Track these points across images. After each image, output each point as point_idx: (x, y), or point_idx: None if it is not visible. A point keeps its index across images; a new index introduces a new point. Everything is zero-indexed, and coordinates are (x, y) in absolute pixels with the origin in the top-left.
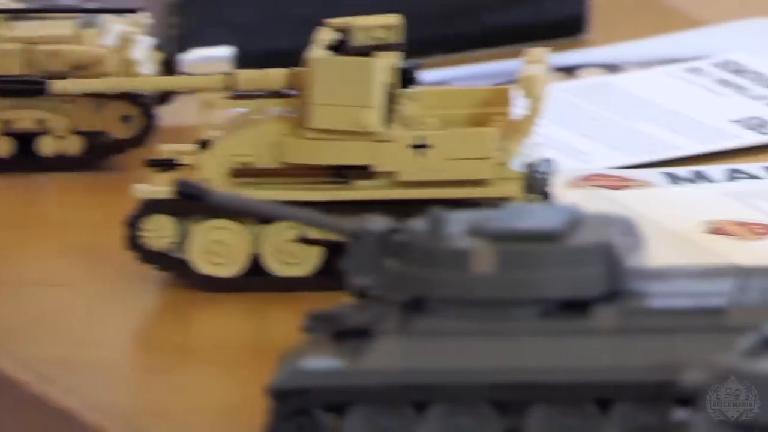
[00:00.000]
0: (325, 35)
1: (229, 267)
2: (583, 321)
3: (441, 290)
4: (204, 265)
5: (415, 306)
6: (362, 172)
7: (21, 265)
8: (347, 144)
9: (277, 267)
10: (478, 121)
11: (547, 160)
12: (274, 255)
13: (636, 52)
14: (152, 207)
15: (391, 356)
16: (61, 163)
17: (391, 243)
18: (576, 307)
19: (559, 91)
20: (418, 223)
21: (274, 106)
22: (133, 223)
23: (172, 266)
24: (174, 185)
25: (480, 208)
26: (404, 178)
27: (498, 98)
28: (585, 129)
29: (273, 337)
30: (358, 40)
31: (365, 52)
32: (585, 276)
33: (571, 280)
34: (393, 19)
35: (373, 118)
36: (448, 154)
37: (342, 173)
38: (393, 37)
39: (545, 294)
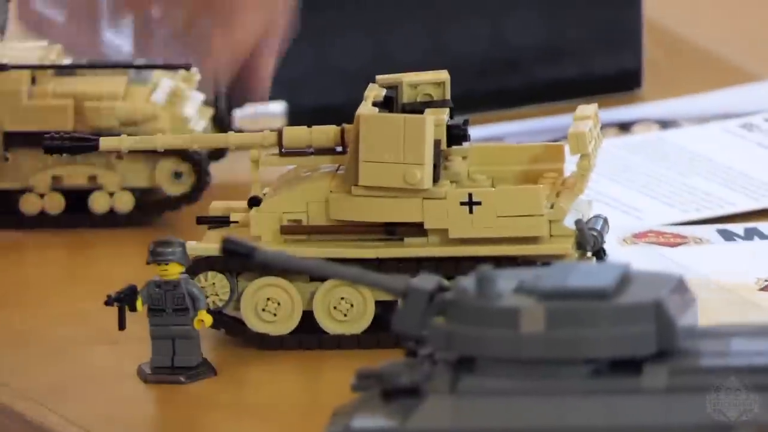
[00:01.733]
0: (374, 91)
1: (282, 325)
2: (634, 380)
3: (490, 349)
4: (256, 322)
5: (464, 365)
6: (412, 229)
7: (71, 323)
8: (396, 201)
9: (330, 324)
10: (530, 178)
11: (600, 217)
12: (326, 312)
13: (690, 107)
14: (204, 264)
15: (440, 416)
16: (112, 220)
17: (439, 301)
18: (627, 366)
19: (613, 146)
20: (466, 282)
21: (324, 163)
22: None
23: (224, 324)
24: (221, 243)
25: (532, 265)
26: (454, 235)
27: (551, 155)
28: (639, 185)
29: (325, 395)
30: (407, 96)
31: (415, 109)
32: (636, 335)
33: (622, 339)
34: (442, 75)
35: (423, 175)
36: (498, 211)
37: (392, 230)
38: (441, 93)
39: (595, 353)
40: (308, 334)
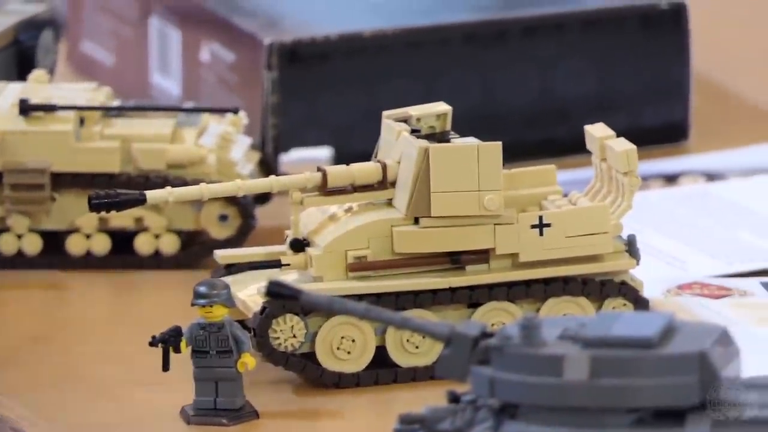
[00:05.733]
0: (398, 126)
1: (356, 362)
2: (677, 430)
3: (533, 396)
4: (331, 361)
5: (507, 411)
6: (476, 256)
7: (115, 363)
8: (468, 229)
9: (402, 358)
10: (533, 201)
11: (631, 234)
12: (399, 346)
13: (737, 160)
14: (282, 307)
15: None
16: (157, 262)
17: (483, 347)
18: (670, 416)
19: (659, 198)
20: (511, 328)
21: (366, 200)
22: (262, 324)
23: (298, 366)
24: (267, 286)
25: (594, 283)
26: (525, 258)
27: (544, 178)
28: (684, 237)
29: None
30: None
31: (446, 139)
32: (680, 385)
33: (666, 388)
34: (443, 107)
35: (499, 202)
36: (568, 231)
37: (457, 259)
38: (443, 125)
39: (639, 402)
40: (381, 369)
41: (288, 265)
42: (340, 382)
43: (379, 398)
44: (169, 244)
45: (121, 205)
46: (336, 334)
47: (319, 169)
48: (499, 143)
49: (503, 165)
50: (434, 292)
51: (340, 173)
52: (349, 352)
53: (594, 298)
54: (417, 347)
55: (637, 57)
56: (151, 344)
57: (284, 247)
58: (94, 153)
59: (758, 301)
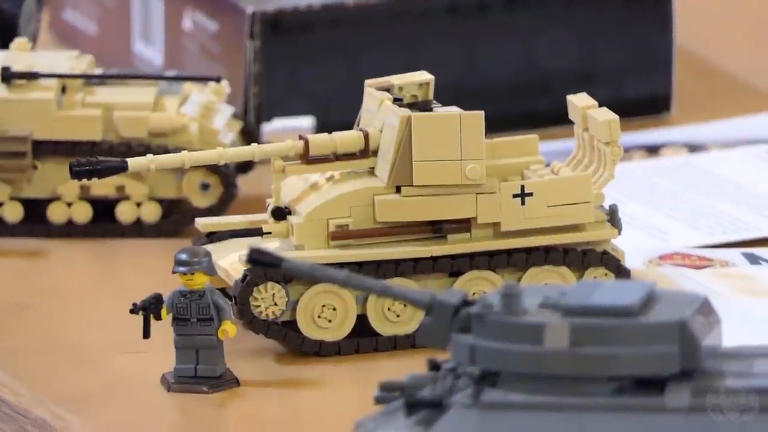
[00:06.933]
0: (381, 95)
1: (337, 330)
2: (657, 399)
3: (514, 364)
4: (312, 329)
5: (488, 379)
6: (458, 225)
7: (96, 330)
8: (450, 198)
9: (383, 327)
10: (514, 170)
11: (613, 204)
12: (380, 315)
13: (719, 131)
14: (263, 275)
15: (462, 429)
16: (138, 230)
17: (464, 315)
18: (650, 384)
19: (641, 169)
20: (492, 296)
21: (348, 168)
22: (243, 292)
23: (280, 334)
24: (248, 254)
25: (576, 253)
26: (506, 228)
27: (527, 147)
28: (666, 207)
29: (348, 407)
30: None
31: (428, 108)
32: (660, 354)
33: (646, 357)
34: (425, 76)
35: (481, 171)
36: (549, 200)
37: (439, 228)
38: (425, 94)
39: (619, 371)
40: (362, 338)
41: (269, 233)
42: (321, 350)
43: (360, 366)
44: (151, 213)
45: (102, 173)
46: (317, 302)
47: (301, 138)
48: (481, 112)
49: (486, 136)
50: (416, 260)
51: (322, 142)
52: (330, 321)
53: (575, 268)
54: (398, 316)
55: (620, 28)
56: (132, 311)
57: (266, 216)
58: (75, 121)
59: (739, 271)
